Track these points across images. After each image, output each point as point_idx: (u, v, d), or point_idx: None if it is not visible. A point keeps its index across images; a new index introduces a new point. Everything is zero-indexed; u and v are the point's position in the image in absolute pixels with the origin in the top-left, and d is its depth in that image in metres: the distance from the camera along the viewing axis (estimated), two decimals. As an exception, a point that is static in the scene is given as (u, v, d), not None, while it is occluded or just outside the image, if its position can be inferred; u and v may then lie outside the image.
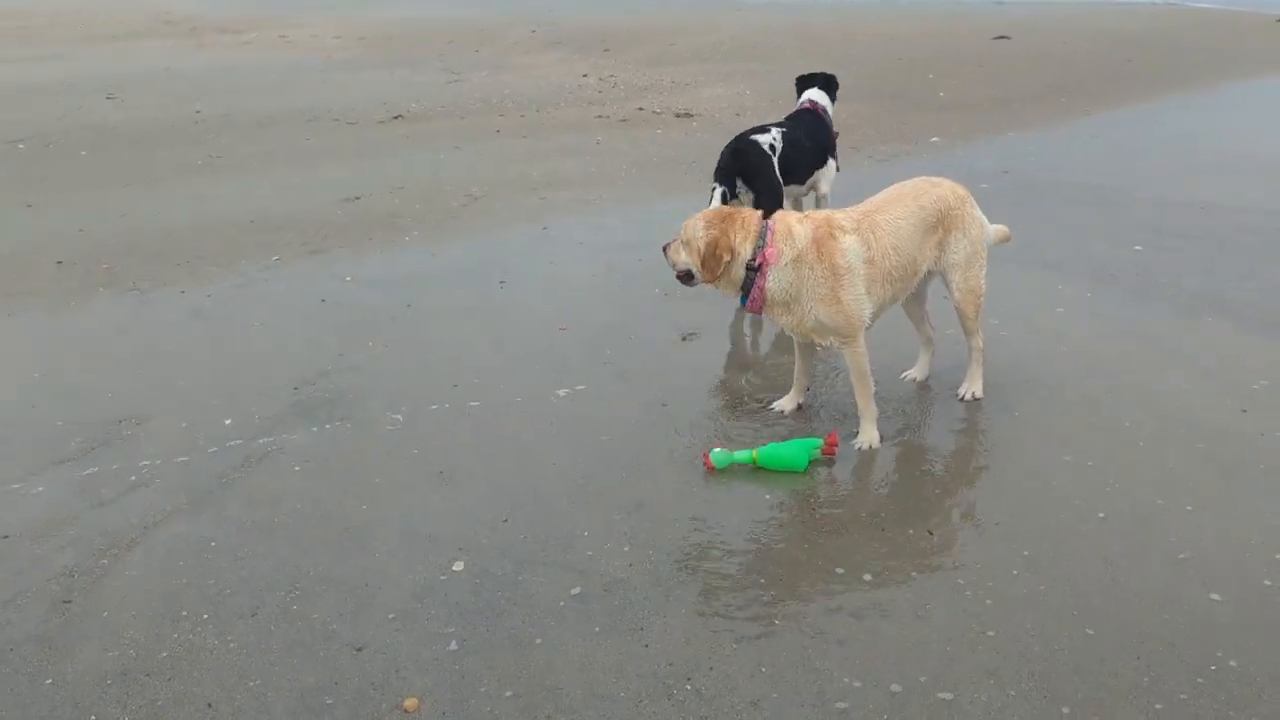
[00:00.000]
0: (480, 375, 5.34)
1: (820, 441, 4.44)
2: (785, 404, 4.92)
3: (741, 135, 6.40)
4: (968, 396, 4.96)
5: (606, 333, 5.84)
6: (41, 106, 13.62)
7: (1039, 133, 10.83)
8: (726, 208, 4.61)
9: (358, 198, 8.94)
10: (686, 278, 4.61)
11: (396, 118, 12.64)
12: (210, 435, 4.77)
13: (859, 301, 4.43)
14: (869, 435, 4.58)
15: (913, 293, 4.90)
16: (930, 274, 4.81)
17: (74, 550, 3.90)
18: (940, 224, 4.68)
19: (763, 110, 12.39)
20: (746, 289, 4.44)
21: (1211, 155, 9.53)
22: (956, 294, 4.82)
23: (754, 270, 4.39)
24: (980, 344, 4.95)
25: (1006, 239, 5.10)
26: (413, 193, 9.07)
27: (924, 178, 4.84)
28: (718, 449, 4.38)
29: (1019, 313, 5.83)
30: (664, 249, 4.68)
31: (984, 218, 4.88)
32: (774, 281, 4.39)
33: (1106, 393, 4.95)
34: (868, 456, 4.51)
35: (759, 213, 4.52)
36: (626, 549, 3.83)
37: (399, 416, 4.91)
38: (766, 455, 4.36)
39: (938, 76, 14.22)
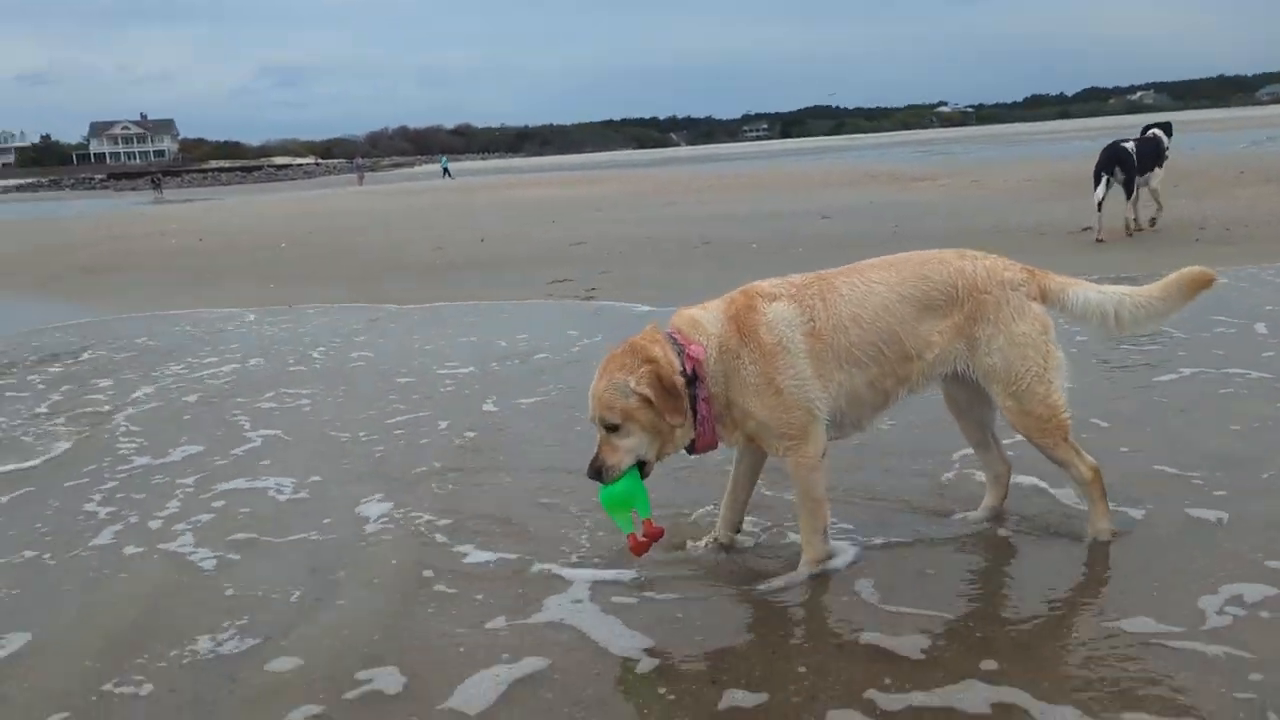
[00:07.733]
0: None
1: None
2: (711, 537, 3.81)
3: (1113, 143, 11.88)
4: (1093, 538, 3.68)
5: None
6: (773, 225, 16.30)
7: None
8: (617, 349, 3.43)
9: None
10: (640, 470, 3.40)
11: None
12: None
13: (802, 386, 3.33)
14: (801, 573, 3.54)
15: (962, 409, 3.78)
16: (964, 377, 3.56)
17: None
18: (956, 307, 3.49)
19: None
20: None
21: None
22: (1007, 416, 3.55)
23: (692, 383, 3.32)
24: (1084, 473, 3.57)
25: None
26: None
27: (954, 249, 3.65)
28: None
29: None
30: (596, 471, 3.34)
31: (1043, 313, 3.53)
32: (713, 384, 3.37)
33: None
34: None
35: (649, 325, 3.50)
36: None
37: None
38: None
39: None
